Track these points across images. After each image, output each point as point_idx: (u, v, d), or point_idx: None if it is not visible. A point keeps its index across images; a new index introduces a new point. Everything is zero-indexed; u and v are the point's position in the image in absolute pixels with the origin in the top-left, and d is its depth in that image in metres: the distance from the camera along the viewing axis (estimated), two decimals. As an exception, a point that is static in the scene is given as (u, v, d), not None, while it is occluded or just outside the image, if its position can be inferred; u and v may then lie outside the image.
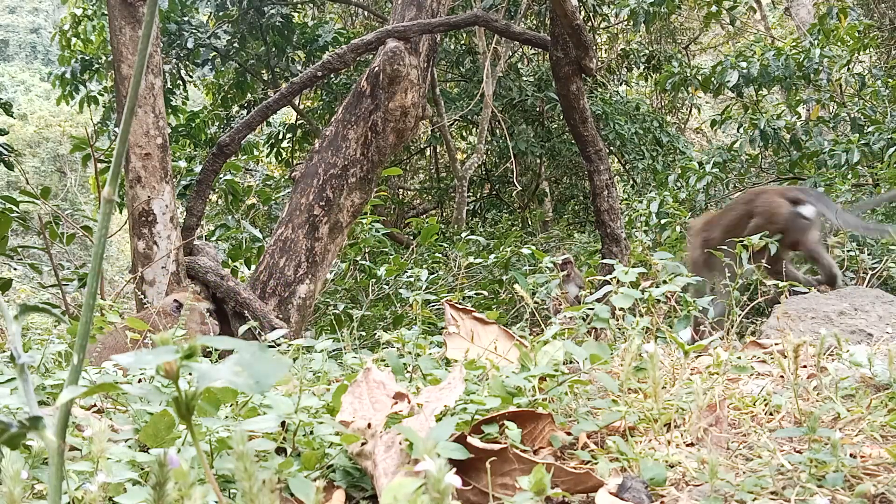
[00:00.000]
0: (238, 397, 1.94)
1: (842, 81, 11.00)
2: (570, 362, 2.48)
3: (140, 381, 2.42)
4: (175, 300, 5.00)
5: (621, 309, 2.67)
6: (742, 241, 4.16)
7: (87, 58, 12.44)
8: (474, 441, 1.61)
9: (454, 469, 0.99)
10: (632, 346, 2.03)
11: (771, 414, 2.05)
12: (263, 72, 13.41)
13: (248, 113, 11.25)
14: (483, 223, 14.22)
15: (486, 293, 7.33)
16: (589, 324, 2.61)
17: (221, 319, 5.60)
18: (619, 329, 2.77)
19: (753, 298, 3.52)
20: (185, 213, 6.26)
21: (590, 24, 14.00)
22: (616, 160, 14.98)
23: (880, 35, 12.94)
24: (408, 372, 2.51)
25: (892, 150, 8.94)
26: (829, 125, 10.83)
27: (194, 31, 12.45)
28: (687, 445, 1.84)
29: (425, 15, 6.49)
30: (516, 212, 15.24)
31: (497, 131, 14.97)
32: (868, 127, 9.86)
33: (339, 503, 1.61)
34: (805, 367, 2.32)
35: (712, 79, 10.68)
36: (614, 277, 2.74)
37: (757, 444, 1.81)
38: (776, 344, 2.88)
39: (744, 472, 1.65)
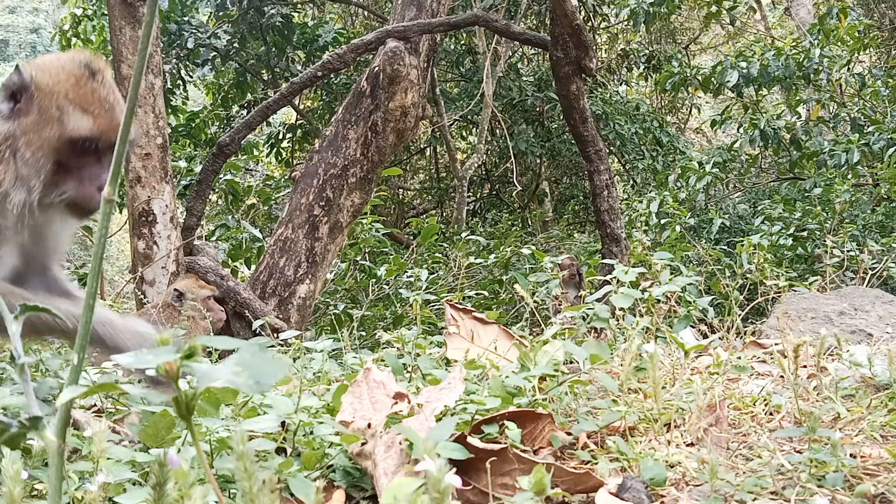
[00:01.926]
0: (238, 397, 1.94)
1: (842, 81, 11.00)
2: (571, 362, 2.49)
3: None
4: (175, 290, 4.97)
5: (621, 309, 2.67)
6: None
7: (87, 58, 12.41)
8: (474, 441, 1.61)
9: (454, 469, 0.99)
10: (632, 346, 2.03)
11: (771, 414, 2.05)
12: (263, 72, 13.41)
13: (248, 113, 11.26)
14: (483, 223, 14.21)
15: (486, 293, 7.32)
16: (589, 324, 2.62)
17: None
18: (620, 329, 2.77)
19: (753, 298, 3.53)
20: (185, 213, 6.26)
21: (590, 24, 13.99)
22: (616, 160, 14.98)
23: (880, 35, 12.94)
24: (408, 372, 2.51)
25: (892, 150, 8.94)
26: (829, 125, 10.84)
27: (194, 31, 12.44)
28: (687, 445, 1.84)
29: (425, 15, 6.49)
30: (516, 212, 15.23)
31: (497, 131, 14.96)
32: (868, 127, 9.86)
33: (339, 503, 1.61)
34: (805, 367, 2.32)
35: (712, 79, 10.68)
36: (614, 277, 2.74)
37: (757, 444, 1.81)
38: (776, 344, 2.88)
39: (744, 472, 1.65)
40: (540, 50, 12.54)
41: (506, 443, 1.67)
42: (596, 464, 1.73)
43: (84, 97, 2.02)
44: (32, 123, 1.98)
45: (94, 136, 2.00)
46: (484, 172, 15.78)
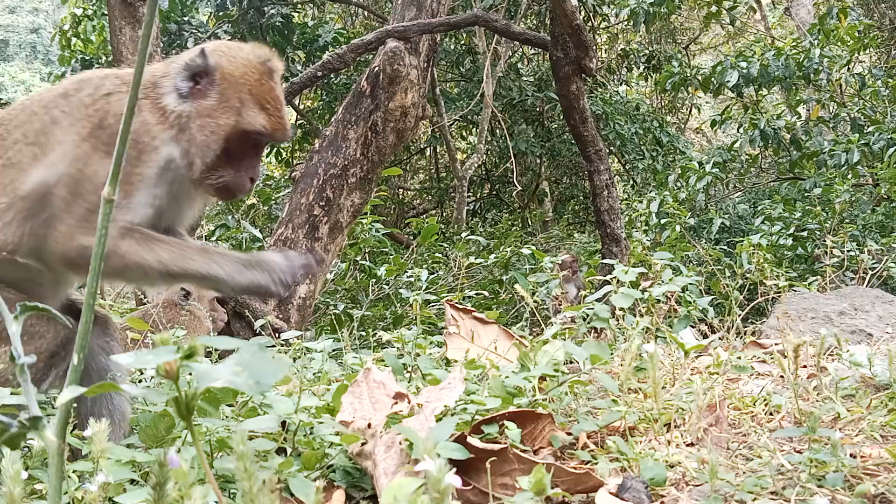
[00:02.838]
0: (238, 397, 1.94)
1: (842, 81, 11.00)
2: (571, 362, 2.49)
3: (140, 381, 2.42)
4: (183, 288, 4.96)
5: (621, 309, 2.67)
6: None
7: (87, 58, 12.43)
8: (474, 441, 1.61)
9: (454, 469, 0.99)
10: (632, 346, 2.03)
11: (771, 414, 2.05)
12: (263, 72, 13.40)
13: (248, 113, 11.23)
14: (483, 223, 14.21)
15: (486, 293, 7.32)
16: (589, 324, 2.62)
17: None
18: (620, 329, 2.77)
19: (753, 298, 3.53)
20: (185, 213, 6.23)
21: (590, 24, 13.99)
22: (616, 160, 14.98)
23: (880, 35, 12.94)
24: (408, 372, 2.51)
25: (892, 150, 8.94)
26: (829, 125, 10.83)
27: (194, 31, 12.44)
28: (687, 445, 1.84)
29: (425, 15, 6.49)
30: (516, 212, 15.23)
31: (497, 131, 14.96)
32: (868, 127, 9.85)
33: (339, 503, 1.61)
34: (805, 367, 2.32)
35: (712, 79, 10.68)
36: (614, 277, 2.74)
37: (757, 444, 1.81)
38: (776, 344, 2.88)
39: (744, 472, 1.65)
40: (540, 50, 12.53)
41: (506, 443, 1.67)
42: (596, 464, 1.73)
43: (263, 94, 2.13)
44: (210, 108, 2.09)
45: (266, 132, 2.12)
46: (484, 172, 15.77)
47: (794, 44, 10.77)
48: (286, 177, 12.22)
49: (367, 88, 6.28)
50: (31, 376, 1.69)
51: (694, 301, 3.26)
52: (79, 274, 2.06)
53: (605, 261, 6.42)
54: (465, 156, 15.75)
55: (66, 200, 1.96)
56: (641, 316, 2.70)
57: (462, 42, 14.58)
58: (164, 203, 2.13)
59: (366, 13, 15.60)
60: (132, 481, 1.51)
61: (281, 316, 5.82)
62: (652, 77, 15.29)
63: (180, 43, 12.32)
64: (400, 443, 1.58)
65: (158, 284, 2.18)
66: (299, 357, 2.54)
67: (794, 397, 1.96)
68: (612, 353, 2.38)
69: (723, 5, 12.37)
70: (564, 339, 2.46)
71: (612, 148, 14.08)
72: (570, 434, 1.90)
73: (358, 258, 8.13)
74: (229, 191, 2.16)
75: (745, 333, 3.30)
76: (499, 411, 1.86)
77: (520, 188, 14.01)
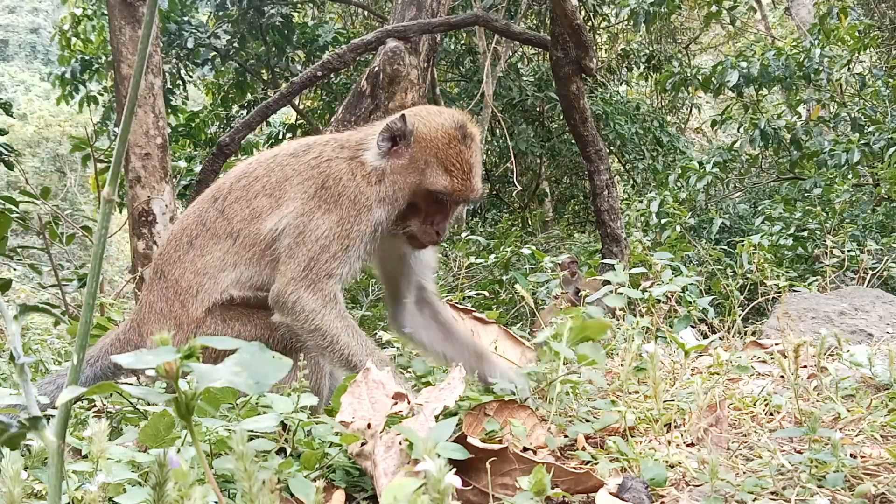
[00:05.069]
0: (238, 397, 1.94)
1: (842, 81, 10.99)
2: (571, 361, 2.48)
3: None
4: None
5: (622, 309, 2.67)
6: None
7: (87, 58, 12.42)
8: (474, 441, 1.61)
9: (454, 469, 0.99)
10: (632, 346, 2.03)
11: (771, 414, 2.04)
12: (263, 72, 13.40)
13: (248, 113, 11.24)
14: (483, 223, 14.21)
15: (486, 293, 7.32)
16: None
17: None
18: (620, 329, 2.77)
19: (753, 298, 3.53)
20: (185, 213, 6.24)
21: (590, 24, 13.98)
22: (616, 160, 14.97)
23: (880, 35, 12.93)
24: (404, 371, 2.51)
25: (892, 149, 8.93)
26: (829, 125, 10.82)
27: (194, 31, 12.43)
28: (687, 445, 1.84)
29: (425, 15, 6.49)
30: (516, 212, 15.23)
31: (497, 131, 14.96)
32: (868, 127, 9.85)
33: (339, 503, 1.61)
34: (805, 367, 2.32)
35: (712, 79, 10.67)
36: (609, 280, 2.74)
37: (757, 444, 1.81)
38: (776, 344, 2.88)
39: (744, 473, 1.65)
40: (540, 50, 12.53)
41: (506, 442, 1.67)
42: (596, 464, 1.72)
43: (449, 157, 2.32)
44: (401, 167, 2.32)
45: (446, 192, 2.31)
46: (484, 172, 15.76)
47: (794, 44, 10.76)
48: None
49: (367, 88, 6.28)
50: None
51: (694, 301, 3.26)
52: (284, 317, 2.24)
53: (605, 261, 6.42)
54: (465, 156, 15.71)
55: (290, 247, 2.26)
56: (642, 316, 2.70)
57: (462, 42, 14.57)
58: (390, 261, 2.44)
59: (366, 13, 15.59)
60: (132, 481, 1.51)
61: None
62: (652, 77, 15.29)
63: (180, 43, 12.31)
64: (400, 443, 1.57)
65: (326, 356, 2.30)
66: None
67: (794, 397, 1.96)
68: (609, 353, 2.38)
69: (723, 5, 12.37)
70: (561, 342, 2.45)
71: (612, 148, 14.07)
72: (566, 437, 1.90)
73: (358, 258, 8.11)
74: (416, 240, 2.38)
75: (745, 333, 3.30)
76: (480, 401, 1.88)
77: (520, 188, 14.00)
